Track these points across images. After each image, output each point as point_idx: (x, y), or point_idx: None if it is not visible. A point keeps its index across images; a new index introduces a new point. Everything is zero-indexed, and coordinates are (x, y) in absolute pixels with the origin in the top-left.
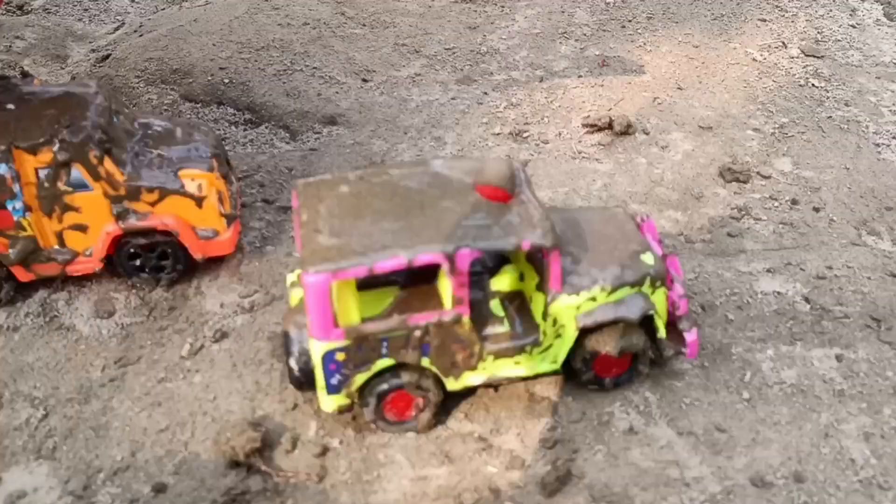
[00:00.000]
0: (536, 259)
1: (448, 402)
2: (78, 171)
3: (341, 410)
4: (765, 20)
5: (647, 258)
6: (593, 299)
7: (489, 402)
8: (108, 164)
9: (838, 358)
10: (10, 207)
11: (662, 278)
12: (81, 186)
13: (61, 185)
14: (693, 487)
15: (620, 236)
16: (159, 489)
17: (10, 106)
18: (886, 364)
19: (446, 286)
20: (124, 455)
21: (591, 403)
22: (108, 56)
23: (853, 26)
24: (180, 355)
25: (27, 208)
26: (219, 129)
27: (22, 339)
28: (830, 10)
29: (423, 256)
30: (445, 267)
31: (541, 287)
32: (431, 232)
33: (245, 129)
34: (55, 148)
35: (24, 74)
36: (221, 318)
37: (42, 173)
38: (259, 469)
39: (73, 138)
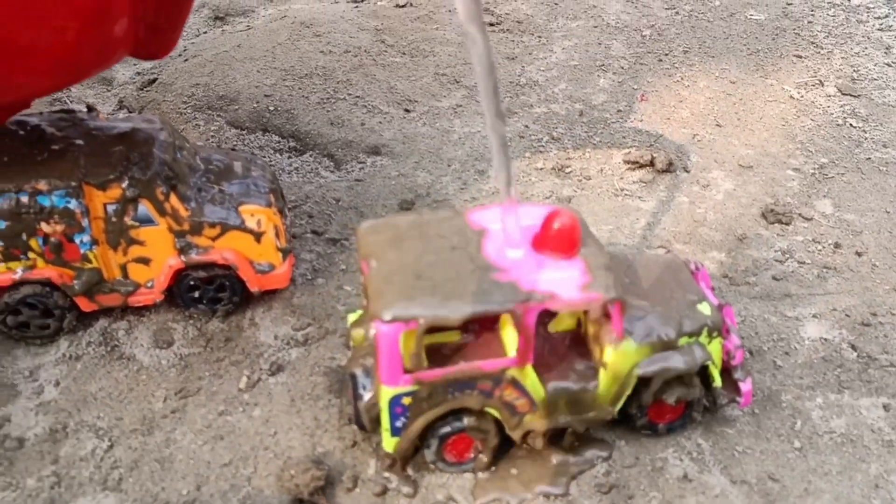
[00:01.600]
0: None
1: (504, 443)
2: (145, 207)
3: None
4: (800, 56)
5: (704, 308)
6: (653, 349)
7: None
8: (174, 199)
9: (885, 407)
10: (77, 241)
11: (719, 328)
12: (147, 221)
13: (128, 220)
14: None
15: (677, 285)
16: None
17: (80, 141)
18: None
19: (511, 335)
20: (190, 489)
21: (644, 448)
22: (154, 80)
23: (889, 65)
24: (238, 388)
25: (94, 242)
26: (264, 157)
27: (84, 368)
28: (865, 48)
29: (496, 308)
30: (516, 320)
31: (601, 334)
32: (502, 283)
33: (290, 157)
34: (124, 184)
35: (90, 109)
36: (276, 351)
37: (110, 208)
38: None
39: (141, 175)
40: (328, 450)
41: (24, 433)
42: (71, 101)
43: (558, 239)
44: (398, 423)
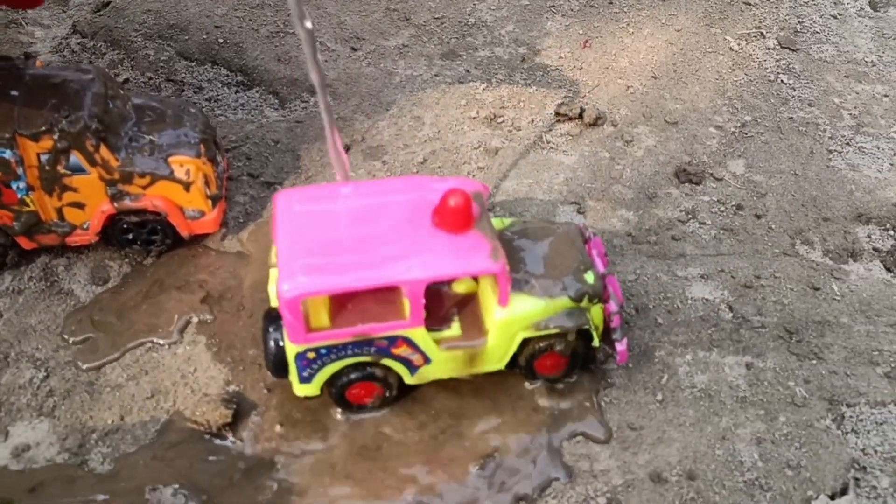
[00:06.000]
0: None
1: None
2: (76, 157)
3: (311, 397)
4: (749, 4)
5: (589, 276)
6: (535, 313)
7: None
8: (104, 151)
9: (748, 366)
10: (14, 187)
11: (600, 295)
12: (79, 170)
13: (61, 169)
14: (599, 479)
15: (567, 253)
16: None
17: (14, 92)
18: (790, 374)
19: (406, 301)
20: (115, 418)
21: (525, 399)
22: (107, 3)
23: (834, 17)
24: (168, 327)
25: (30, 188)
26: (212, 90)
27: (25, 301)
28: None
29: (387, 281)
30: (406, 290)
31: (490, 298)
32: (395, 256)
33: (237, 92)
34: (55, 136)
35: (27, 56)
36: (203, 292)
37: (43, 158)
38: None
39: (71, 128)
40: (241, 389)
41: None
42: (20, 33)
43: (453, 215)
44: (305, 374)
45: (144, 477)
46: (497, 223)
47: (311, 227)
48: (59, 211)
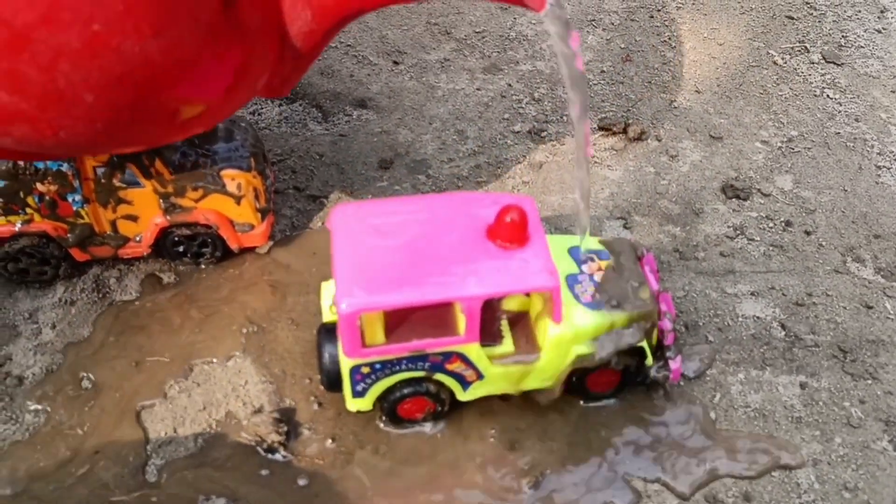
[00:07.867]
0: None
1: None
2: (131, 171)
3: (362, 411)
4: (792, 18)
5: (644, 293)
6: (590, 331)
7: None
8: (159, 164)
9: (802, 386)
10: (70, 199)
11: (654, 313)
12: (134, 183)
13: (116, 182)
14: (653, 499)
15: (622, 270)
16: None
17: None
18: (845, 395)
19: (461, 316)
20: (168, 430)
21: (573, 407)
22: None
23: (878, 31)
24: (216, 338)
25: (85, 200)
26: (255, 103)
27: (77, 312)
28: (859, 11)
29: (445, 297)
30: (463, 306)
31: (545, 312)
32: (452, 272)
33: (280, 105)
34: None
35: None
36: (251, 304)
37: (99, 171)
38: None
39: None
40: (292, 403)
41: (23, 372)
42: None
43: (509, 231)
44: (358, 388)
45: (196, 489)
46: (551, 240)
47: (368, 241)
48: (113, 223)
